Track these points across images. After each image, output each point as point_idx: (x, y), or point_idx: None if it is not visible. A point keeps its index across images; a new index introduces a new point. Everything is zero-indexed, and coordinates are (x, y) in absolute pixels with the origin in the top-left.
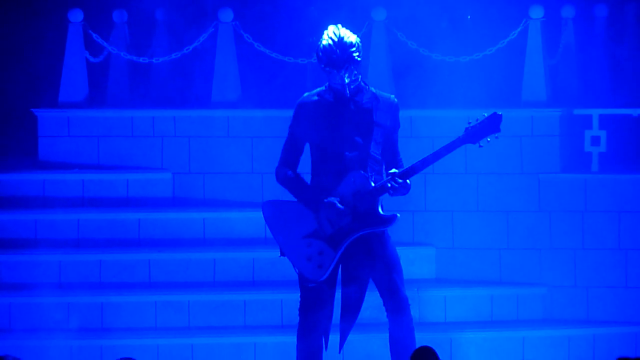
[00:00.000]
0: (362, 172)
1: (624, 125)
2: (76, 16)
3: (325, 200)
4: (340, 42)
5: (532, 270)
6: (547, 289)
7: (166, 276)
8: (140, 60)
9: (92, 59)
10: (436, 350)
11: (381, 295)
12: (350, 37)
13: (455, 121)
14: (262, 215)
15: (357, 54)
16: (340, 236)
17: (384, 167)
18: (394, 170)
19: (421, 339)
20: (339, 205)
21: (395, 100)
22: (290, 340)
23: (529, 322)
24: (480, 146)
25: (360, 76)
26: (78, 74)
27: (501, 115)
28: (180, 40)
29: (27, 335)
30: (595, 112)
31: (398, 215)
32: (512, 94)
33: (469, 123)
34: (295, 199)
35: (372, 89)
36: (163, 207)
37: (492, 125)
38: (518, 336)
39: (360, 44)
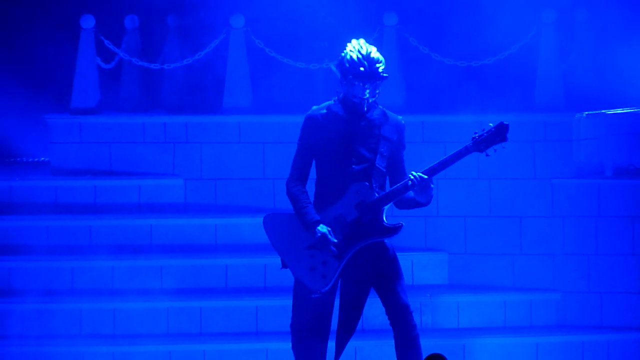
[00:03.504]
0: (366, 183)
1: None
2: (88, 22)
3: (320, 229)
4: (368, 57)
5: (545, 276)
6: (560, 294)
7: (178, 282)
8: (152, 66)
9: (104, 65)
10: (448, 357)
11: (383, 305)
12: (377, 53)
13: (467, 126)
14: (264, 229)
15: (383, 69)
16: (344, 246)
17: (387, 180)
18: (413, 173)
19: (434, 345)
20: (330, 237)
21: (403, 121)
22: None
23: (543, 328)
24: (487, 155)
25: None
26: (90, 80)
27: (508, 125)
28: (192, 47)
29: (40, 341)
30: (609, 116)
31: (402, 224)
32: (525, 98)
33: (475, 133)
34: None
35: (381, 107)
36: (175, 213)
37: (499, 134)
38: (531, 342)
39: (384, 62)
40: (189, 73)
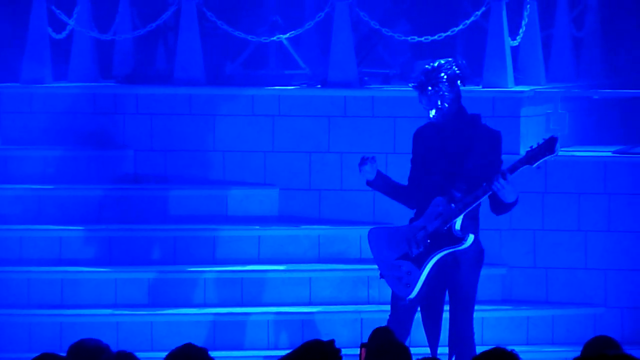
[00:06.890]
0: (443, 196)
1: (585, 107)
2: None
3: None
4: (428, 69)
5: (491, 251)
6: (506, 269)
7: (127, 253)
8: (103, 37)
9: (55, 36)
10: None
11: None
12: (444, 64)
13: (417, 101)
14: (367, 242)
15: (443, 74)
16: (423, 256)
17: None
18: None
19: (381, 316)
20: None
21: (497, 131)
22: (248, 317)
23: (488, 302)
24: (538, 167)
25: (446, 102)
26: (41, 50)
27: (557, 138)
28: (143, 18)
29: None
30: (557, 94)
31: (472, 235)
32: (474, 74)
33: (531, 147)
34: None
35: (473, 118)
36: (125, 184)
37: (548, 148)
38: (477, 316)
39: (453, 68)
40: (140, 44)
